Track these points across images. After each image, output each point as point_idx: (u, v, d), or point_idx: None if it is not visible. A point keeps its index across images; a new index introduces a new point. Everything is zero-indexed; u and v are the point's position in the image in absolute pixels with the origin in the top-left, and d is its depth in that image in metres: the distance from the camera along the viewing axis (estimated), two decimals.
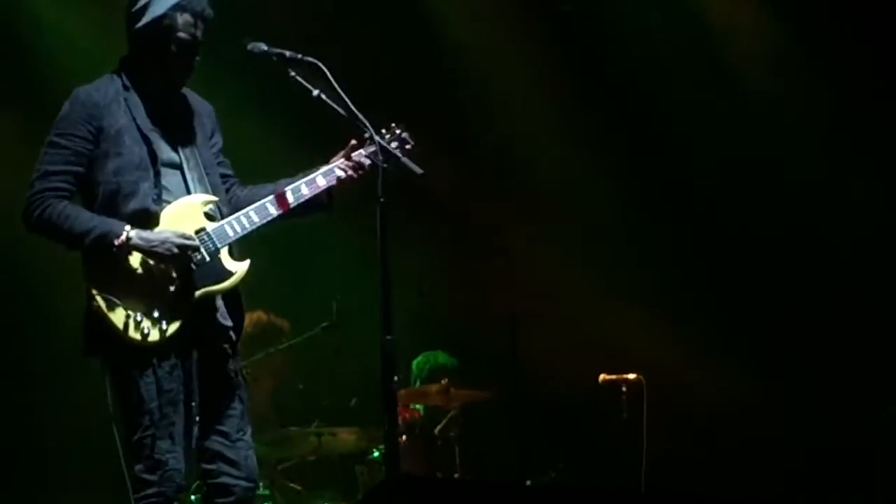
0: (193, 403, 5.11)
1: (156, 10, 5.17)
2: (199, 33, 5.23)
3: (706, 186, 9.87)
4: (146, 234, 5.05)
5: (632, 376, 8.30)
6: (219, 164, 5.45)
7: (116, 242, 5.00)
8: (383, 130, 5.42)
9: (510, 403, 8.89)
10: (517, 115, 10.03)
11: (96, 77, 5.35)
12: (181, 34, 5.20)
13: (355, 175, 5.38)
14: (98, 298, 4.99)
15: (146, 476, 5.00)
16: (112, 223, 5.04)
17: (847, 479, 9.10)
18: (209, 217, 5.22)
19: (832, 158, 9.56)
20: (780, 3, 9.62)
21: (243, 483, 5.20)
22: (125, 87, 5.23)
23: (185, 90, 5.41)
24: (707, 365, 9.55)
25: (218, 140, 5.49)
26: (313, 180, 5.36)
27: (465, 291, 9.72)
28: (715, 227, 9.83)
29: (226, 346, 5.25)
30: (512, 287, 9.68)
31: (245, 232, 5.25)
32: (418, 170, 5.12)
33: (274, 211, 5.29)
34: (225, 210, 5.30)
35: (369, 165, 5.34)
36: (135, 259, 5.04)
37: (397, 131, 5.48)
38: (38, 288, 8.73)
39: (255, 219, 5.26)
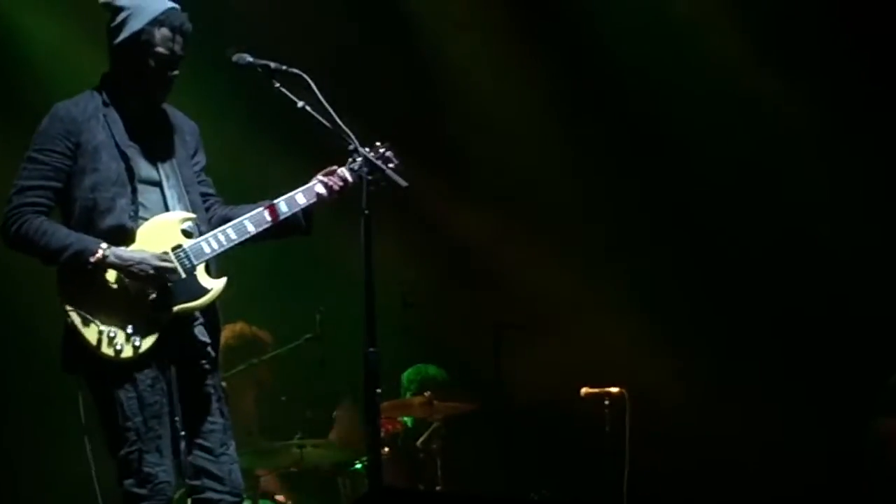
0: (177, 418, 5.09)
1: (134, 26, 5.15)
2: (177, 48, 5.21)
3: (694, 197, 9.87)
4: (122, 252, 5.03)
5: (614, 390, 8.29)
6: (200, 182, 5.42)
7: (92, 260, 4.98)
8: (367, 148, 5.41)
9: (493, 416, 8.88)
10: (503, 126, 10.02)
11: (78, 87, 5.34)
12: (159, 49, 5.17)
13: (336, 190, 5.36)
14: (72, 314, 4.98)
15: (136, 490, 4.98)
16: (88, 241, 5.02)
17: (833, 493, 9.11)
18: (186, 234, 5.20)
19: (826, 164, 9.58)
20: (773, 11, 9.64)
21: (228, 498, 5.18)
22: (105, 104, 5.21)
23: (170, 107, 5.39)
24: (691, 378, 9.56)
25: (201, 159, 5.46)
26: (293, 198, 5.35)
27: (450, 303, 9.71)
28: (702, 238, 9.83)
29: (204, 362, 5.23)
30: (496, 299, 9.69)
31: (222, 249, 5.22)
32: (403, 182, 5.11)
33: (252, 229, 5.26)
34: (204, 228, 5.27)
35: (352, 180, 5.33)
36: (110, 276, 5.03)
37: (381, 150, 5.45)
38: (14, 302, 8.70)
39: (233, 236, 5.24)
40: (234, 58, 5.27)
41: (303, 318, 8.55)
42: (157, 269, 5.04)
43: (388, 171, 5.12)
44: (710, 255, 9.84)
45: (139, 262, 5.02)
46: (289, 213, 5.33)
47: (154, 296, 5.05)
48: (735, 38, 9.70)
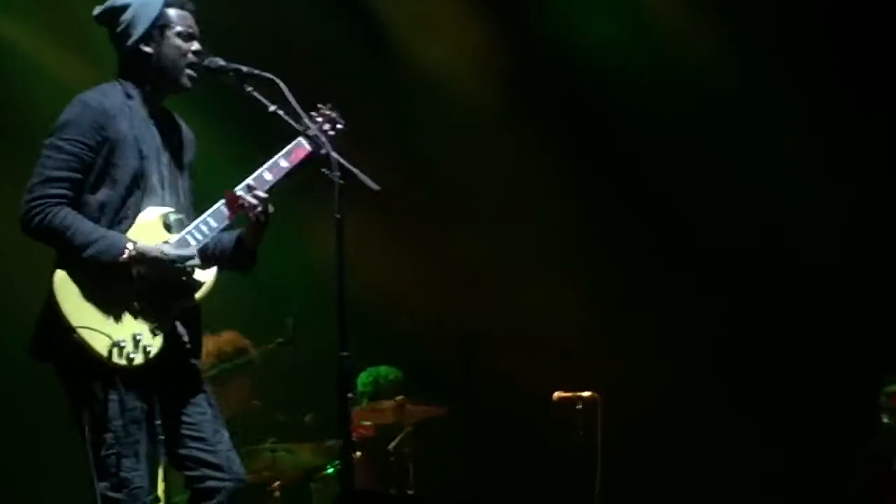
0: (157, 422, 5.06)
1: (148, 16, 5.17)
2: (191, 23, 5.25)
3: (668, 204, 9.91)
4: (145, 247, 4.99)
5: (586, 394, 8.29)
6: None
7: (122, 258, 4.93)
8: (313, 113, 5.35)
9: (465, 420, 8.89)
10: (474, 129, 10.04)
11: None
12: (178, 27, 5.21)
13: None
14: (80, 331, 4.89)
15: (111, 494, 4.92)
16: (114, 237, 4.96)
17: (805, 495, 9.15)
18: (167, 228, 5.16)
19: (801, 172, 9.64)
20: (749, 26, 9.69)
21: (230, 484, 5.14)
22: (128, 96, 5.18)
23: (177, 115, 5.38)
24: (664, 382, 9.58)
25: (192, 171, 5.42)
26: (260, 176, 5.24)
27: (421, 307, 9.71)
28: (677, 241, 9.86)
29: (186, 355, 5.20)
30: (468, 302, 9.70)
31: (206, 239, 5.18)
32: (374, 186, 5.08)
33: (227, 212, 5.20)
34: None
35: (313, 151, 5.25)
36: (119, 278, 4.96)
37: (325, 115, 5.41)
38: None
39: (213, 224, 5.19)
40: (206, 61, 5.24)
41: (274, 323, 8.54)
42: (184, 256, 5.02)
43: (360, 175, 5.08)
44: (685, 261, 9.87)
45: (164, 252, 4.99)
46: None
47: (156, 297, 5.00)
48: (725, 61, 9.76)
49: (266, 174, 5.24)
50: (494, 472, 9.26)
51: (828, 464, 9.05)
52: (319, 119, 5.39)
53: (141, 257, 4.96)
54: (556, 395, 8.38)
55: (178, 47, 5.20)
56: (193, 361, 5.23)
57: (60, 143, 5.04)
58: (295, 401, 8.83)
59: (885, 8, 9.41)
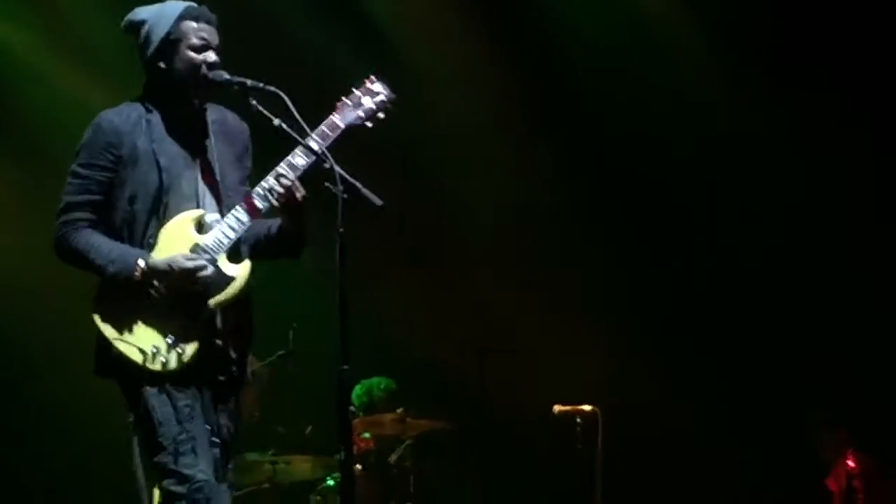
0: (207, 427, 5.13)
1: (161, 31, 5.21)
2: (206, 35, 5.24)
3: (670, 219, 9.92)
4: (155, 262, 5.06)
5: (587, 408, 8.30)
6: (243, 190, 5.36)
7: (135, 276, 5.03)
8: (355, 89, 5.35)
9: (466, 433, 8.90)
10: (477, 145, 10.06)
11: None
12: (192, 41, 5.21)
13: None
14: (116, 343, 5.05)
15: (175, 489, 5.00)
16: (127, 255, 5.06)
17: None
18: (200, 230, 5.18)
19: (802, 191, 9.66)
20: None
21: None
22: (147, 110, 5.22)
23: (220, 108, 5.38)
24: (665, 397, 9.59)
25: (248, 164, 5.43)
26: (290, 162, 5.18)
27: (424, 321, 9.72)
28: (678, 261, 9.87)
29: (227, 360, 5.24)
30: (472, 317, 9.71)
31: (239, 233, 5.20)
32: (378, 201, 5.04)
33: (260, 204, 5.21)
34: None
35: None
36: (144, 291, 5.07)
37: (370, 86, 5.39)
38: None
39: (244, 218, 5.20)
40: (211, 75, 5.23)
41: (276, 334, 8.54)
42: (190, 269, 5.05)
43: (363, 191, 5.05)
44: (687, 276, 9.89)
45: (172, 265, 5.04)
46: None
47: (188, 299, 5.07)
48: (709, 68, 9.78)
49: (298, 159, 5.20)
50: (495, 485, 9.25)
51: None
52: (364, 90, 5.36)
53: (151, 272, 5.05)
54: (556, 408, 8.39)
55: (191, 60, 5.21)
56: (233, 385, 5.27)
57: (77, 169, 5.20)
58: (295, 413, 8.85)
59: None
